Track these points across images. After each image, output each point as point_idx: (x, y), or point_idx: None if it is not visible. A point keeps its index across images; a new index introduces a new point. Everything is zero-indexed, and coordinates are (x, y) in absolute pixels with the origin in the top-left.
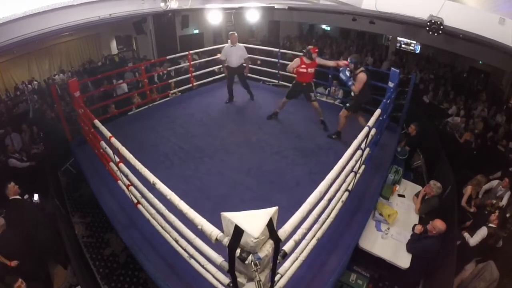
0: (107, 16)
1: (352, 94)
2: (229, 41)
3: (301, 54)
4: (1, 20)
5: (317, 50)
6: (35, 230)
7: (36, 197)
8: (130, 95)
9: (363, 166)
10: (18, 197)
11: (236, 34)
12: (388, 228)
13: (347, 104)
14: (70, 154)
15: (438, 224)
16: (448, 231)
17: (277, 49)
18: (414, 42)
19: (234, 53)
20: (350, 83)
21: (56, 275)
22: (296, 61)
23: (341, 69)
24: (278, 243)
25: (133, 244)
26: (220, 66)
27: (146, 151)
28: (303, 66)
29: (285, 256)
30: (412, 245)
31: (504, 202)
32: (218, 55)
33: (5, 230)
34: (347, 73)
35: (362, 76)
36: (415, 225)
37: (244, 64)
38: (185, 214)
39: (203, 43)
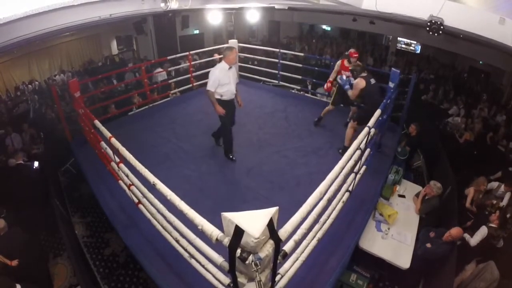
0: (108, 16)
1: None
2: (223, 61)
3: (301, 54)
4: (2, 20)
5: (356, 55)
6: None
7: (36, 164)
8: (130, 95)
9: (364, 167)
10: (21, 162)
11: (236, 49)
12: (388, 228)
13: (355, 115)
14: (70, 154)
15: (456, 233)
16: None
17: (277, 49)
18: (415, 42)
19: (233, 79)
20: (346, 86)
21: (56, 275)
22: (338, 63)
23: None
24: (278, 243)
25: (133, 244)
26: None
27: (147, 151)
28: (344, 68)
29: (286, 256)
30: (423, 248)
31: (504, 202)
32: (210, 89)
33: (6, 232)
34: (344, 77)
35: (358, 82)
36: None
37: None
38: (185, 214)
39: (204, 43)
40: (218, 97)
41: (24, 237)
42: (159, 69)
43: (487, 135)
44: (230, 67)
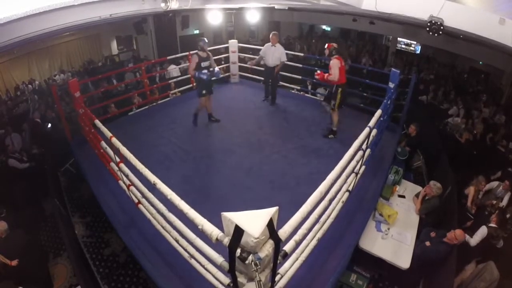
0: (108, 16)
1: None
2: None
3: (301, 54)
4: (2, 20)
5: (328, 46)
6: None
7: (49, 125)
8: (130, 95)
9: (363, 167)
10: (38, 120)
11: (276, 34)
12: (388, 229)
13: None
14: (70, 154)
15: (460, 235)
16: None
17: None
18: (415, 42)
19: (273, 53)
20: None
21: (56, 275)
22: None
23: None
24: (278, 243)
25: (133, 244)
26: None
27: (147, 151)
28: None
29: (286, 256)
30: (424, 248)
31: (504, 202)
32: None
33: (8, 234)
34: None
35: (191, 59)
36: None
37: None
38: (185, 214)
39: None
40: (262, 62)
41: (25, 239)
42: (173, 66)
43: (487, 136)
44: (273, 45)
